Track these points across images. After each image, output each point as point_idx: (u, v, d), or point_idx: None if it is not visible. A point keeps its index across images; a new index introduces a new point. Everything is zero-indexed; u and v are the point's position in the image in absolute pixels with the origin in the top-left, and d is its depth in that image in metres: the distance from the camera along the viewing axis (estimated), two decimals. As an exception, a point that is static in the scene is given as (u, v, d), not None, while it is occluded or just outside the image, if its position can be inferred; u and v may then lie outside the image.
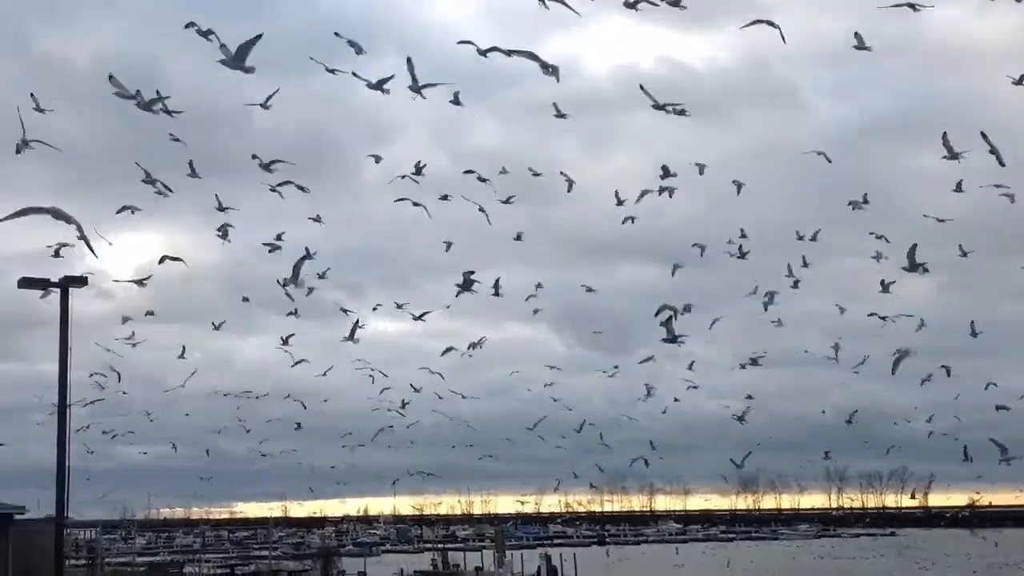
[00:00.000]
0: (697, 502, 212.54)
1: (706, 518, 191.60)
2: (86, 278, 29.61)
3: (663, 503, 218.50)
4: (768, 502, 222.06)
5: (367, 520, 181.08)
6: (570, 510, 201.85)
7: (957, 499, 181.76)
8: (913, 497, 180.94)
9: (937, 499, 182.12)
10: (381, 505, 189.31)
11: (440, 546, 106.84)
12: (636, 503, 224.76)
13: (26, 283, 29.32)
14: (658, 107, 27.89)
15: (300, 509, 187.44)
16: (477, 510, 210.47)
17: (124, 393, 49.13)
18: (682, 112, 28.29)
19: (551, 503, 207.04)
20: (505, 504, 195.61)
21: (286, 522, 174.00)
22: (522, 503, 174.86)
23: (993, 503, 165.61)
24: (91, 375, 42.43)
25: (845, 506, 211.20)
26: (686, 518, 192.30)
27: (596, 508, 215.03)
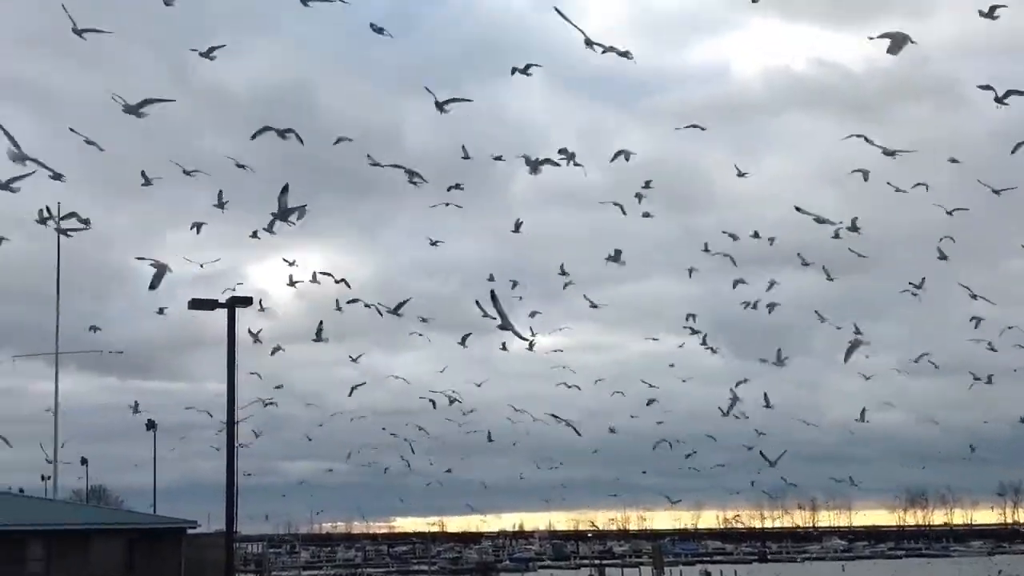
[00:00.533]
0: (862, 518, 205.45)
1: (873, 535, 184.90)
2: (251, 298, 30.43)
3: (827, 519, 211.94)
4: (938, 518, 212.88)
5: (522, 535, 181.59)
6: (729, 526, 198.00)
7: None
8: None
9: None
10: (536, 520, 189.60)
11: (597, 562, 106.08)
12: (799, 519, 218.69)
13: (195, 304, 30.34)
14: None
15: (456, 524, 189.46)
16: (633, 526, 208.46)
17: (267, 404, 50.39)
18: None
19: (710, 519, 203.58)
20: (662, 520, 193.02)
21: (444, 537, 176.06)
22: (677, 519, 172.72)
23: None
24: (252, 402, 43.55)
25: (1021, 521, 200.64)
26: (852, 534, 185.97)
27: (756, 524, 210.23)
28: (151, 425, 61.32)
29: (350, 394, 48.44)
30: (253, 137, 23.36)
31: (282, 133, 21.18)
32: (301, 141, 23.22)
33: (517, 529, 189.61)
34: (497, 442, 58.37)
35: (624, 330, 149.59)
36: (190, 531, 43.77)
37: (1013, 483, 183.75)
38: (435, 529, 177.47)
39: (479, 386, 49.92)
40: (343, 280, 40.30)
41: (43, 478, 54.77)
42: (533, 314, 47.78)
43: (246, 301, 30.21)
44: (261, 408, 47.15)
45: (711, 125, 30.42)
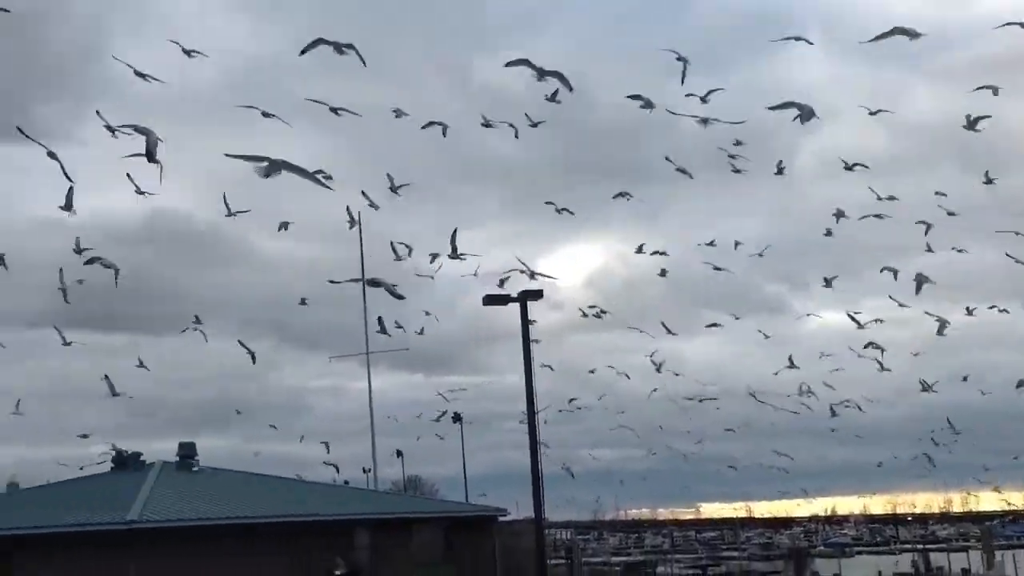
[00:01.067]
0: None
1: None
2: (541, 291, 30.98)
3: None
4: None
5: (835, 520, 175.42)
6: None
7: None
8: None
9: None
10: (850, 505, 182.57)
11: (920, 547, 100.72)
12: None
13: (490, 300, 31.31)
14: None
15: (764, 508, 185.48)
16: (957, 508, 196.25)
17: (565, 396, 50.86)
18: None
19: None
20: (989, 501, 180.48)
21: (751, 523, 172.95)
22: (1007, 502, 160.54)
23: None
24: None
25: None
26: None
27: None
28: (457, 418, 63.88)
29: (657, 370, 47.70)
30: (303, 52, 21.43)
31: (340, 48, 19.78)
32: (362, 60, 21.06)
33: (829, 514, 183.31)
34: (805, 424, 56.39)
35: (936, 302, 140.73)
36: (501, 519, 45.24)
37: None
38: (742, 515, 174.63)
39: (790, 367, 47.56)
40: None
41: (364, 471, 58.35)
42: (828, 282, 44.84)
43: (537, 294, 30.82)
44: (564, 404, 48.01)
45: (1006, 79, 27.80)
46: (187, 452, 41.37)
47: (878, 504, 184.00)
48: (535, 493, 35.13)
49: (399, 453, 68.26)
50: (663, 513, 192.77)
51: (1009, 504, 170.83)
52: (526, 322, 30.23)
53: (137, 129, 18.80)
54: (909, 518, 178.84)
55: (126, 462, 41.84)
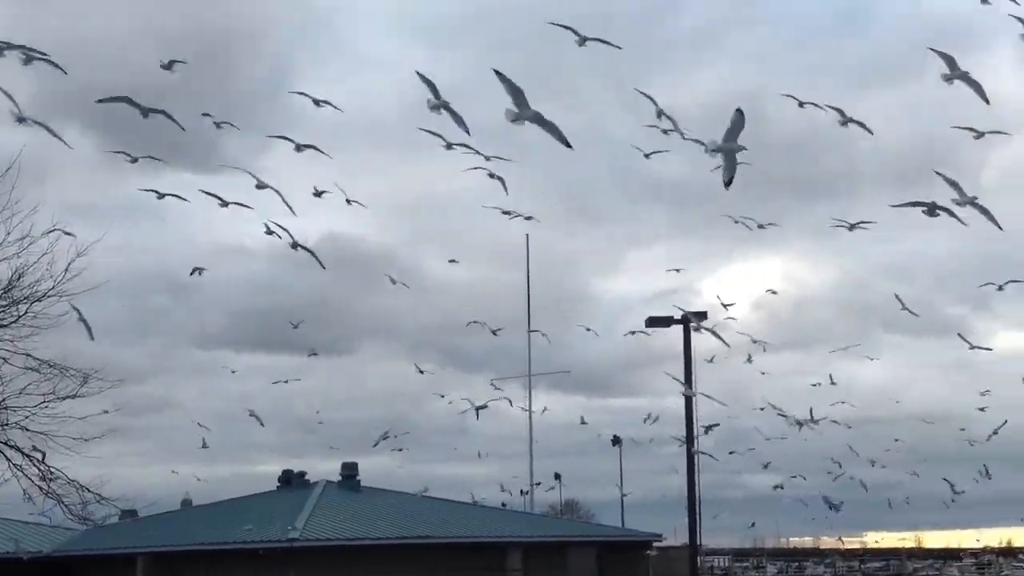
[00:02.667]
0: None
1: None
2: (706, 313, 30.47)
3: None
4: None
5: (1011, 552, 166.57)
6: None
7: None
8: None
9: None
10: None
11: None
12: None
13: (653, 322, 31.03)
14: None
15: (934, 540, 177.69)
16: None
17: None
18: None
19: None
20: None
21: (920, 553, 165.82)
22: None
23: None
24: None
25: None
26: None
27: None
28: (616, 441, 63.33)
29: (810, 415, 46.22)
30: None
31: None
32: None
33: (1005, 545, 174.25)
34: (972, 450, 53.59)
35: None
36: (656, 544, 44.56)
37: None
38: (910, 544, 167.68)
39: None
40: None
41: (522, 493, 58.38)
42: None
43: (701, 316, 30.30)
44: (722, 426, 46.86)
45: None
46: (350, 472, 42.21)
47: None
48: (691, 517, 34.50)
49: (557, 476, 68.10)
50: (827, 541, 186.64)
51: None
52: (689, 342, 29.78)
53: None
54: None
55: (291, 480, 42.97)
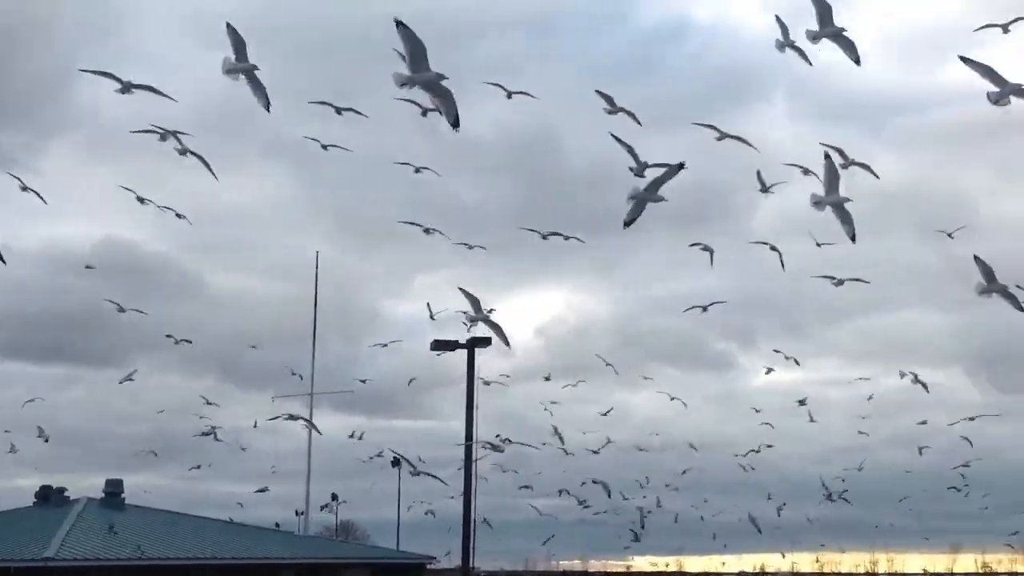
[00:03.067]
0: None
1: None
2: (490, 339, 30.86)
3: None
4: None
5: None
6: (987, 571, 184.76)
7: None
8: None
9: None
10: (777, 563, 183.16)
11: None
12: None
13: (437, 345, 31.17)
14: None
15: (695, 564, 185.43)
16: (883, 569, 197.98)
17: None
18: None
19: (967, 564, 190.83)
20: (914, 563, 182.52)
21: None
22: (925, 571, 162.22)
23: None
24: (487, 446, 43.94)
25: None
26: None
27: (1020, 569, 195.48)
28: (396, 463, 63.06)
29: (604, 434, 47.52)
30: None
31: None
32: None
33: (758, 571, 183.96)
34: (733, 480, 56.50)
35: (874, 364, 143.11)
36: (429, 566, 44.64)
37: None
38: (672, 569, 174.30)
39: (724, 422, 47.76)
40: None
41: (297, 513, 57.27)
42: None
43: (485, 342, 30.71)
44: (499, 448, 47.48)
45: (970, 146, 28.24)
46: (114, 489, 40.30)
47: (806, 562, 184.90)
48: (464, 540, 34.77)
49: (334, 497, 67.10)
50: (595, 565, 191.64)
51: (930, 570, 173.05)
52: (472, 368, 30.11)
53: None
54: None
55: (49, 497, 40.62)
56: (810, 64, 17.21)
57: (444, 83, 12.11)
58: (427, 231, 26.37)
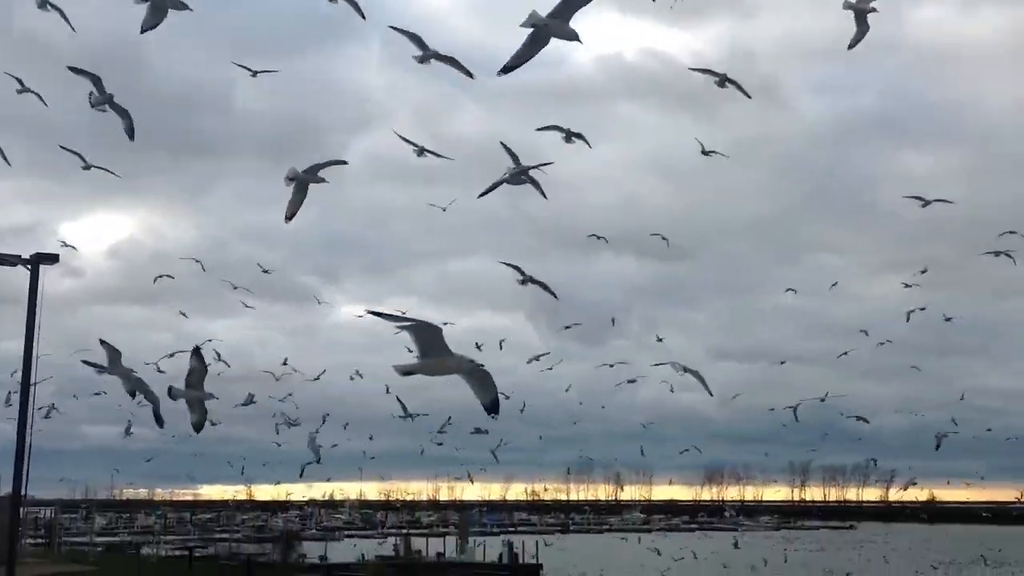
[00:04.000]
0: (663, 492, 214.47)
1: (671, 509, 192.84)
2: (58, 256, 29.54)
3: (629, 493, 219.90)
4: (732, 493, 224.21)
5: (332, 505, 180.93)
6: (536, 498, 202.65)
7: (919, 495, 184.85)
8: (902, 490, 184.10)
9: (899, 495, 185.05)
10: (348, 490, 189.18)
11: (403, 531, 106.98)
12: (603, 492, 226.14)
13: (-8, 260, 29.18)
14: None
15: (265, 493, 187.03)
16: (444, 496, 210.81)
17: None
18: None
19: (518, 491, 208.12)
20: (474, 492, 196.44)
21: (250, 505, 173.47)
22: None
23: (945, 499, 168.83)
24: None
25: (807, 499, 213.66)
26: (650, 508, 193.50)
27: (563, 497, 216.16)
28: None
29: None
30: None
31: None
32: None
33: (328, 499, 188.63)
34: (314, 412, 57.93)
35: (447, 307, 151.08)
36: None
37: (803, 463, 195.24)
38: (242, 497, 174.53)
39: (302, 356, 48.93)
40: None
41: None
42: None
43: (52, 258, 29.29)
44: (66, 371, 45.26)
45: (549, 110, 30.69)
46: None
47: (373, 491, 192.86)
48: (17, 466, 33.23)
49: None
50: (161, 493, 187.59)
51: (488, 495, 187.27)
52: (35, 286, 28.60)
53: None
54: (399, 505, 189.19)
55: None
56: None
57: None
58: None
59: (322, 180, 15.89)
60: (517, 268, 22.19)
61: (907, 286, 42.81)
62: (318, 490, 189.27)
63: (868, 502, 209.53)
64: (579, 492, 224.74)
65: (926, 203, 27.70)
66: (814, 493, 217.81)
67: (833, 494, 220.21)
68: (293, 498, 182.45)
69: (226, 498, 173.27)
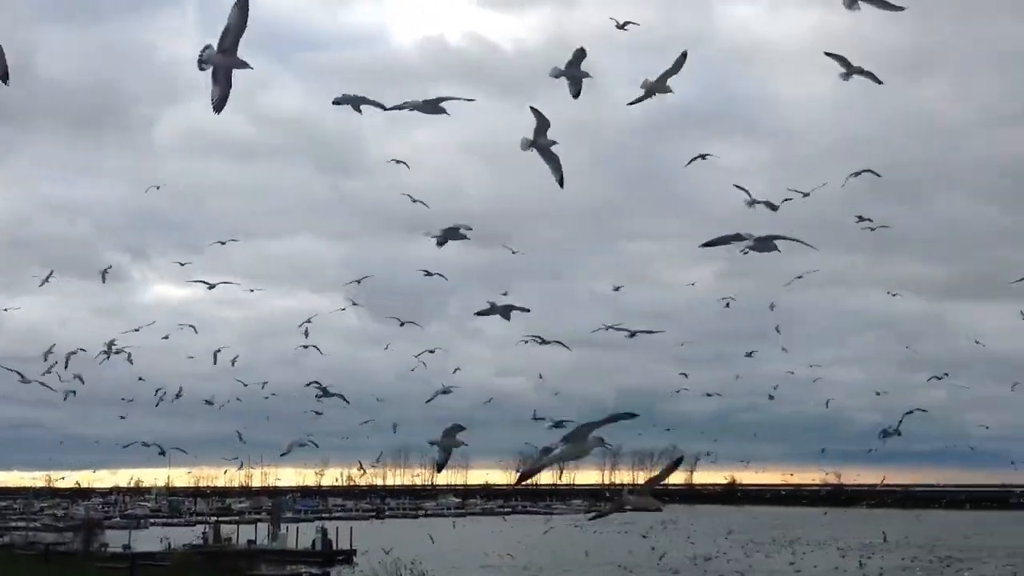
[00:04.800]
0: (478, 477, 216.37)
1: (486, 493, 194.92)
2: None
3: (444, 478, 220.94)
4: (546, 478, 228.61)
5: (138, 491, 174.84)
6: (351, 483, 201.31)
7: (718, 478, 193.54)
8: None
9: (701, 477, 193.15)
10: (155, 476, 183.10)
11: (212, 519, 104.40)
12: (418, 478, 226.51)
13: None
14: None
15: (67, 480, 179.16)
16: (256, 483, 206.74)
17: None
18: None
19: (334, 477, 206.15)
20: (288, 477, 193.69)
21: (50, 492, 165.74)
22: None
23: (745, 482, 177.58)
24: None
25: (616, 482, 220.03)
26: (466, 492, 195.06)
27: (378, 482, 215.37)
28: None
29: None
30: None
31: None
32: None
33: (133, 485, 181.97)
34: (117, 394, 55.55)
35: (266, 285, 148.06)
36: None
37: (614, 448, 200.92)
38: (40, 484, 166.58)
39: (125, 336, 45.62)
40: None
41: None
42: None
43: None
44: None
45: (369, 88, 30.16)
46: None
47: (181, 477, 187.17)
48: None
49: None
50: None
51: (303, 481, 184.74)
52: None
53: None
54: (209, 491, 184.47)
55: None
56: None
57: None
58: None
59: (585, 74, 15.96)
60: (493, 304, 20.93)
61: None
62: (123, 477, 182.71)
63: (674, 485, 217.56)
64: (395, 477, 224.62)
65: (752, 202, 27.61)
66: (623, 477, 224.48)
67: (642, 478, 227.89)
68: (96, 485, 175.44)
69: (24, 485, 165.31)
